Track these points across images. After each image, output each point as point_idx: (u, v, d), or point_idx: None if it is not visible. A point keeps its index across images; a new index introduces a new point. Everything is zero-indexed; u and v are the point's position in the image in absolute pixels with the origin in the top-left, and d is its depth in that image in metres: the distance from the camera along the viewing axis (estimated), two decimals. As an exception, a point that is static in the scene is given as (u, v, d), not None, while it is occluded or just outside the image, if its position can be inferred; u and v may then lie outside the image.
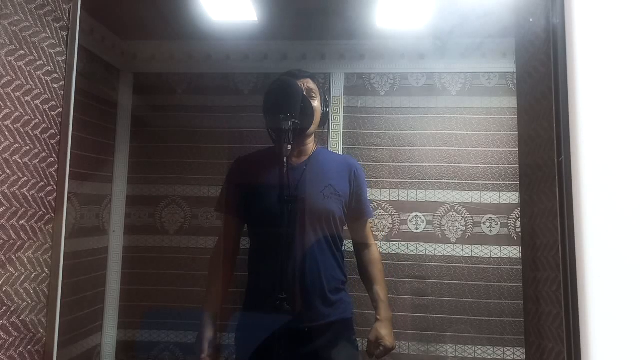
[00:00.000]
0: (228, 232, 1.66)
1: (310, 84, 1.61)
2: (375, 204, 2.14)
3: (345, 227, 1.69)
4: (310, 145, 1.64)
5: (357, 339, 1.67)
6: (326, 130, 2.17)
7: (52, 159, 1.05)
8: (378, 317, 1.61)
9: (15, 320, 0.95)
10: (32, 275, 1.00)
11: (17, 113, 0.96)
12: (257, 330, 1.53)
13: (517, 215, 2.09)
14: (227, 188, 1.70)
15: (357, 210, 1.66)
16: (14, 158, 0.95)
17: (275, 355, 1.49)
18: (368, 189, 2.12)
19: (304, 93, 1.55)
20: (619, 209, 0.75)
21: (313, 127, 1.60)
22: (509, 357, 2.05)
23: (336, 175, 1.61)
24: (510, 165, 2.12)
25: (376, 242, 1.75)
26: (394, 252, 2.11)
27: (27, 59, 0.99)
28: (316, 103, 1.60)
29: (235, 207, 1.63)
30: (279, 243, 1.47)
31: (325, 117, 1.66)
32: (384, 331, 1.58)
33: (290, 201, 1.48)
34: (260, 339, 1.51)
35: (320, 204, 1.54)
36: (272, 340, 1.49)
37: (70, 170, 1.08)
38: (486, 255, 2.10)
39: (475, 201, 2.12)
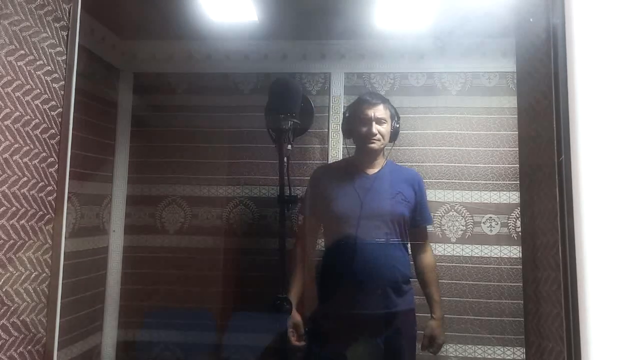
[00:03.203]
0: (308, 231, 1.87)
1: (379, 112, 1.73)
2: (375, 203, 2.14)
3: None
4: (380, 158, 1.80)
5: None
6: (326, 130, 2.18)
7: (52, 158, 1.05)
8: (433, 315, 1.76)
9: (15, 320, 0.95)
10: (32, 275, 1.00)
11: (17, 113, 0.96)
12: (333, 314, 1.72)
13: (517, 215, 2.09)
14: (308, 193, 1.88)
15: (419, 217, 1.80)
16: (14, 158, 0.95)
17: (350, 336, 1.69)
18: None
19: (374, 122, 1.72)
20: (618, 208, 0.75)
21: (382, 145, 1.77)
22: (509, 357, 2.05)
23: (404, 185, 1.79)
24: (510, 165, 2.12)
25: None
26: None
27: (27, 59, 0.99)
28: (385, 127, 1.74)
29: (314, 210, 1.83)
30: (350, 242, 1.69)
31: (395, 133, 1.81)
32: (438, 329, 1.75)
33: (291, 201, 1.57)
34: (335, 325, 1.71)
35: (393, 208, 1.73)
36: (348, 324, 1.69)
37: (70, 170, 1.08)
38: (486, 255, 2.10)
39: (476, 201, 2.12)
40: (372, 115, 1.72)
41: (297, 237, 1.90)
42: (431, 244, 2.12)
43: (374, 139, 1.72)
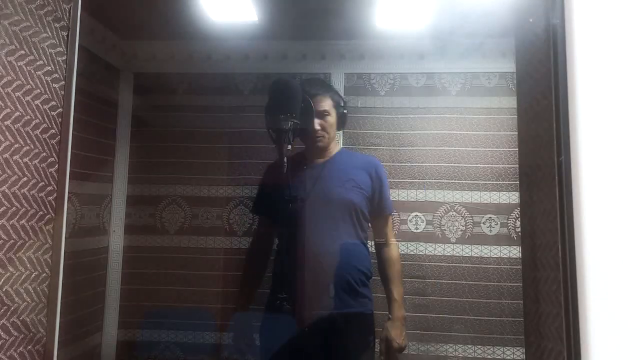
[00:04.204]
0: (261, 231, 1.78)
1: (320, 105, 1.61)
2: (375, 203, 2.14)
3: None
4: (332, 147, 1.68)
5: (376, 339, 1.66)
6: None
7: (53, 158, 1.05)
8: (390, 316, 1.62)
9: (15, 320, 0.95)
10: (32, 275, 1.00)
11: (18, 113, 0.96)
12: (280, 321, 1.58)
13: (517, 215, 2.09)
14: (258, 191, 1.79)
15: (378, 205, 1.67)
16: (14, 158, 0.95)
17: (295, 342, 1.54)
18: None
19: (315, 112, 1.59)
20: (618, 208, 0.75)
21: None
22: (508, 357, 2.05)
23: (358, 171, 1.65)
24: (510, 165, 2.12)
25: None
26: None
27: (27, 59, 0.99)
28: (330, 119, 1.63)
29: (265, 208, 1.73)
30: (301, 237, 1.55)
31: (342, 120, 1.68)
32: (395, 331, 1.59)
33: (291, 201, 1.53)
34: (283, 328, 1.57)
35: (342, 195, 1.59)
36: (294, 328, 1.56)
37: (70, 170, 1.08)
38: (486, 255, 2.10)
39: (475, 201, 2.12)
40: (314, 106, 1.59)
41: (252, 240, 1.82)
42: (431, 244, 2.12)
43: (317, 136, 1.60)
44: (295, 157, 1.68)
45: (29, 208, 0.98)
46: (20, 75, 0.97)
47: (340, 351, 1.57)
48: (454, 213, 2.13)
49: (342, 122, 1.68)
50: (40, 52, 1.02)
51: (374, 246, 1.74)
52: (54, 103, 1.06)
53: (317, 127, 1.59)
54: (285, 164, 1.49)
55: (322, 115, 1.61)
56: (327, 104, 1.62)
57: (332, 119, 1.63)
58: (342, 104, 1.67)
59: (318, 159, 1.66)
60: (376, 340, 1.64)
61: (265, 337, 1.61)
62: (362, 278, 1.59)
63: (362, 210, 1.61)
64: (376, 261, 1.72)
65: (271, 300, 1.58)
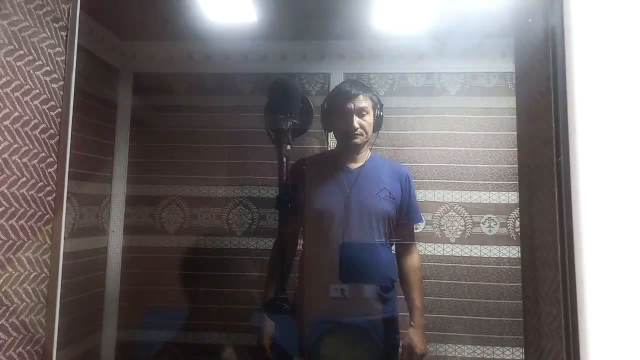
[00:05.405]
0: (286, 230, 1.73)
1: (360, 103, 1.61)
2: (374, 204, 2.14)
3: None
4: (364, 151, 1.68)
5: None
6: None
7: (52, 159, 1.05)
8: (412, 323, 1.65)
9: (14, 321, 0.95)
10: (32, 275, 1.00)
11: (17, 113, 0.96)
12: (311, 322, 1.61)
13: (516, 215, 2.09)
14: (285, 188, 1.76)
15: (407, 215, 1.69)
16: (13, 158, 0.95)
17: (325, 345, 1.58)
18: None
19: (354, 114, 1.59)
20: (617, 208, 0.75)
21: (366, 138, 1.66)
22: (508, 357, 2.05)
23: (390, 180, 1.67)
24: (509, 165, 2.12)
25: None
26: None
27: (26, 59, 0.99)
28: (368, 119, 1.62)
29: (294, 206, 1.67)
30: (334, 241, 1.57)
31: (379, 122, 1.68)
32: (418, 339, 1.63)
33: (290, 201, 1.54)
34: (312, 331, 1.59)
35: (377, 205, 1.61)
36: (324, 331, 1.59)
37: (69, 170, 1.08)
38: (485, 255, 2.10)
39: (475, 201, 2.12)
40: (352, 107, 1.59)
41: (277, 237, 1.78)
42: (430, 244, 2.12)
43: (356, 134, 1.60)
44: (330, 160, 1.73)
45: (28, 208, 0.98)
46: (19, 75, 0.97)
47: (373, 351, 1.61)
48: (454, 213, 2.13)
49: (378, 124, 1.67)
50: (39, 52, 1.02)
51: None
52: (53, 103, 1.06)
53: (356, 124, 1.59)
54: (285, 164, 1.49)
55: (361, 113, 1.60)
56: (366, 103, 1.62)
57: (370, 118, 1.63)
58: (379, 107, 1.67)
59: (352, 164, 1.66)
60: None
61: (280, 337, 1.65)
62: (389, 285, 1.63)
63: (393, 218, 1.63)
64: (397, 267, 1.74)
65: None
